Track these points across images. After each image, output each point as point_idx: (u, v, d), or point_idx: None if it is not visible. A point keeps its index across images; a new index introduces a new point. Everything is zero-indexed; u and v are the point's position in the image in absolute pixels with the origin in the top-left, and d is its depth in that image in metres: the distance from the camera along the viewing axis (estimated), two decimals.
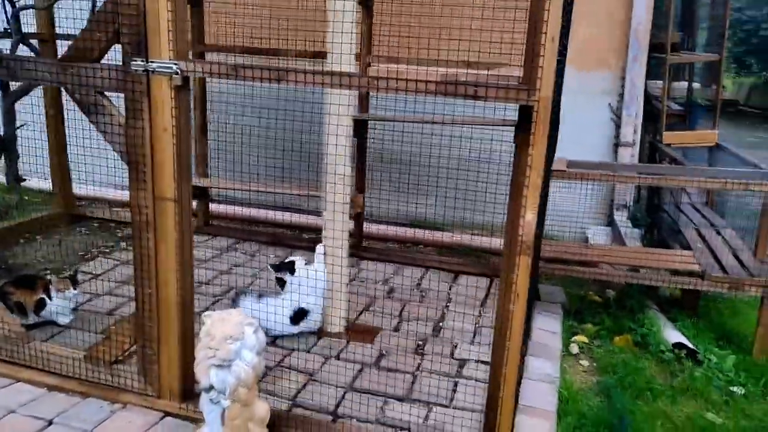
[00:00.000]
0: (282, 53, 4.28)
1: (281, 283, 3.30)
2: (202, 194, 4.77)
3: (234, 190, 4.91)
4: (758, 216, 3.81)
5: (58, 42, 4.38)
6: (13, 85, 4.21)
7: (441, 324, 3.57)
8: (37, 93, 4.39)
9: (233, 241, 4.66)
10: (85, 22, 3.85)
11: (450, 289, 4.05)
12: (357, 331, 3.41)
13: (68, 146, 4.55)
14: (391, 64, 4.27)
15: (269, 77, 2.13)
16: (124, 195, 5.25)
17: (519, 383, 2.65)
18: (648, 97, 5.11)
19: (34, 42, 4.27)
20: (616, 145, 4.87)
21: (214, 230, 4.81)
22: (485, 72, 3.82)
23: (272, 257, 4.37)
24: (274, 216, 5.14)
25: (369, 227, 4.73)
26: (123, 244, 4.45)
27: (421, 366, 3.09)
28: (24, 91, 4.21)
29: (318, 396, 2.77)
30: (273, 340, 3.19)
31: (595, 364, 3.39)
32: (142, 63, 2.19)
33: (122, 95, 2.28)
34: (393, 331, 3.44)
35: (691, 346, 3.46)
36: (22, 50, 4.13)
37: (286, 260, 3.32)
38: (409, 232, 4.93)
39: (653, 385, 3.17)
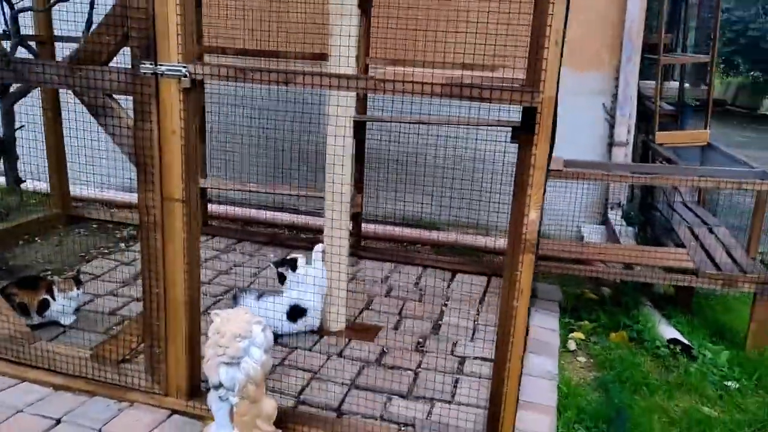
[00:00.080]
0: (281, 55, 4.31)
1: (282, 278, 3.34)
2: (201, 195, 4.80)
3: (232, 190, 4.94)
4: (750, 214, 3.89)
5: (57, 44, 4.42)
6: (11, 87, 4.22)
7: (440, 322, 3.61)
8: (34, 94, 4.40)
9: (232, 241, 4.69)
10: (82, 25, 3.93)
11: (448, 288, 4.10)
12: (358, 330, 3.45)
13: (66, 147, 4.57)
14: (388, 66, 4.32)
15: (277, 80, 2.17)
16: (122, 196, 5.33)
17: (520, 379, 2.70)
18: (640, 98, 5.18)
19: (32, 44, 4.29)
20: (610, 144, 4.94)
21: (213, 231, 4.83)
22: (483, 74, 3.87)
23: (271, 256, 4.41)
24: (272, 217, 5.17)
25: (366, 227, 4.77)
26: (122, 245, 4.47)
27: (422, 363, 3.14)
28: (23, 93, 4.22)
29: (322, 393, 2.81)
30: (273, 338, 3.22)
31: (592, 360, 3.45)
32: (151, 66, 2.22)
33: (131, 98, 2.31)
34: (393, 329, 3.49)
35: (685, 341, 3.52)
36: (21, 52, 4.13)
37: (289, 257, 3.36)
38: (405, 232, 4.97)
39: (649, 380, 3.23)
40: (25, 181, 4.51)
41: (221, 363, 2.19)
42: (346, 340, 3.32)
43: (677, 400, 3.12)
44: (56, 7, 4.07)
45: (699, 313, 4.06)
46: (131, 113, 2.33)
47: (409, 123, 4.40)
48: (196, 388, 2.61)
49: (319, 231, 3.47)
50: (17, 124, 4.29)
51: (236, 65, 2.22)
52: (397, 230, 4.92)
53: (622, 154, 4.90)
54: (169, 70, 2.22)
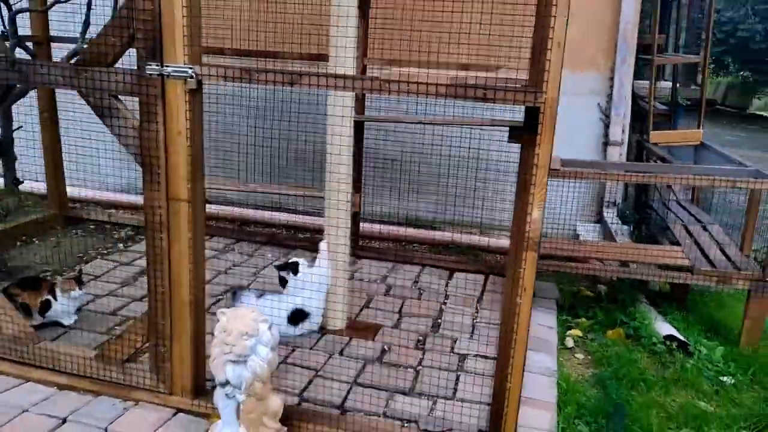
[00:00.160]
0: (280, 56, 4.32)
1: (283, 282, 3.36)
2: None
3: (231, 191, 4.95)
4: (744, 212, 3.95)
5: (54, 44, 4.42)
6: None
7: (440, 320, 3.65)
8: (31, 95, 4.40)
9: (230, 241, 4.71)
10: (78, 25, 3.93)
11: (447, 286, 4.13)
12: (358, 328, 3.48)
13: (63, 148, 4.58)
14: (385, 66, 4.35)
15: (282, 81, 2.19)
16: (120, 197, 5.33)
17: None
18: (634, 97, 5.24)
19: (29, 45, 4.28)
20: (605, 144, 4.99)
21: (211, 231, 4.84)
22: (479, 74, 3.91)
23: (269, 256, 4.43)
24: (271, 217, 5.19)
25: (364, 226, 4.79)
26: (120, 246, 4.48)
27: (422, 361, 3.17)
28: (21, 94, 4.21)
29: (325, 391, 2.83)
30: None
31: (590, 357, 3.49)
32: (157, 67, 2.24)
33: (136, 99, 2.32)
34: (393, 327, 3.52)
35: (681, 338, 3.57)
36: (18, 53, 4.13)
37: (290, 260, 3.38)
38: (403, 231, 5.00)
39: (646, 376, 3.28)
40: (23, 182, 4.50)
41: (228, 361, 2.21)
42: (347, 338, 3.35)
43: (674, 396, 3.17)
44: (53, 8, 4.07)
45: (694, 310, 4.12)
46: (137, 114, 2.35)
47: (408, 123, 4.44)
48: (201, 386, 2.63)
49: (317, 231, 3.49)
50: (15, 125, 4.28)
51: (242, 66, 2.24)
52: (395, 230, 4.95)
53: (617, 154, 4.96)
54: (175, 71, 2.24)
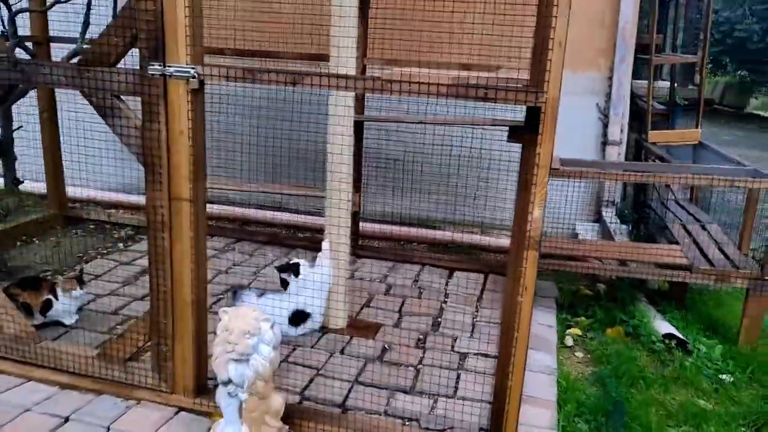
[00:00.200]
0: (280, 56, 4.33)
1: (284, 284, 3.37)
2: None
3: (233, 191, 4.96)
4: (742, 212, 3.96)
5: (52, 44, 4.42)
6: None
7: (440, 319, 3.66)
8: (31, 95, 4.40)
9: (230, 240, 4.72)
10: (78, 25, 3.94)
11: (446, 285, 4.14)
12: (359, 327, 3.49)
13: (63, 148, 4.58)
14: (385, 66, 4.36)
15: (284, 81, 2.20)
16: (119, 197, 5.33)
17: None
18: (633, 97, 5.25)
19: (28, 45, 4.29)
20: (604, 143, 5.00)
21: (211, 230, 4.84)
22: (480, 74, 3.92)
23: (270, 256, 4.44)
24: (272, 216, 5.20)
25: (364, 226, 4.81)
26: (120, 246, 4.49)
27: (423, 359, 3.18)
28: (21, 94, 4.22)
29: (326, 389, 2.84)
30: None
31: (589, 356, 3.51)
32: (160, 67, 2.25)
33: (138, 98, 2.33)
34: (394, 326, 3.53)
35: (680, 336, 3.59)
36: (18, 53, 4.13)
37: (291, 262, 3.39)
38: (404, 231, 5.01)
39: (646, 375, 3.30)
40: (23, 181, 4.51)
41: (230, 360, 2.22)
42: (348, 337, 3.36)
43: (673, 394, 3.18)
44: (52, 8, 4.08)
45: (693, 309, 4.14)
46: (139, 114, 2.36)
47: (409, 123, 4.45)
48: (203, 385, 2.64)
49: (318, 230, 3.50)
50: (15, 125, 4.29)
51: (244, 66, 2.25)
52: (395, 229, 4.96)
53: (616, 153, 4.97)
54: (178, 71, 2.25)
